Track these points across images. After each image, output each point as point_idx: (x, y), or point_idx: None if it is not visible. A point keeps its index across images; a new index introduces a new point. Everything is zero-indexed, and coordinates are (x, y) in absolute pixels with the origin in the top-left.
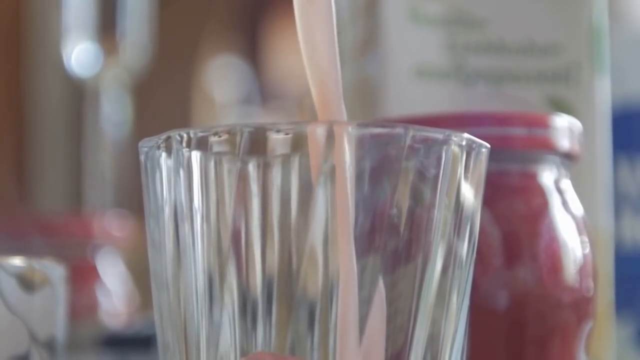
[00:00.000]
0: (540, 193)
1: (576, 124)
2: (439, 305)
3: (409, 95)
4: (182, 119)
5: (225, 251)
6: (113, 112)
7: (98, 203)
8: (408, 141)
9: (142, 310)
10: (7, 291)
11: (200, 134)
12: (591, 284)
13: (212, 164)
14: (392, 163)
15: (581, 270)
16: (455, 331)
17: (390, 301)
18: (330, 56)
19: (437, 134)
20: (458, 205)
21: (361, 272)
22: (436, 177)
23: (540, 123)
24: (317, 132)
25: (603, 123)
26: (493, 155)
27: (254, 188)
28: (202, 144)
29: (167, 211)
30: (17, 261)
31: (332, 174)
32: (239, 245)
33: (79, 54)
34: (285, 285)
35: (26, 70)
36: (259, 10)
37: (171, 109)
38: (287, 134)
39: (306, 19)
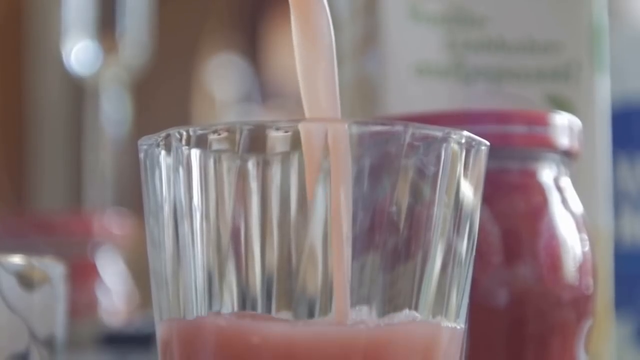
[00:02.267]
0: (539, 191)
1: (576, 121)
2: (439, 303)
3: (408, 93)
4: (182, 117)
5: (224, 249)
6: (113, 110)
7: (98, 201)
8: (407, 139)
9: (141, 308)
10: (7, 289)
11: (199, 132)
12: (591, 281)
13: (211, 161)
14: (392, 161)
15: (581, 268)
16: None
17: (390, 299)
18: (331, 105)
19: (437, 132)
20: (457, 202)
21: (361, 269)
22: (436, 174)
23: (540, 121)
24: (315, 130)
25: (603, 121)
26: (493, 152)
27: (254, 186)
28: (201, 142)
29: (167, 209)
30: (16, 259)
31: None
32: (239, 243)
33: (79, 52)
34: (284, 283)
35: (26, 68)
36: (259, 9)
37: (171, 107)
38: (286, 131)
39: (307, 68)
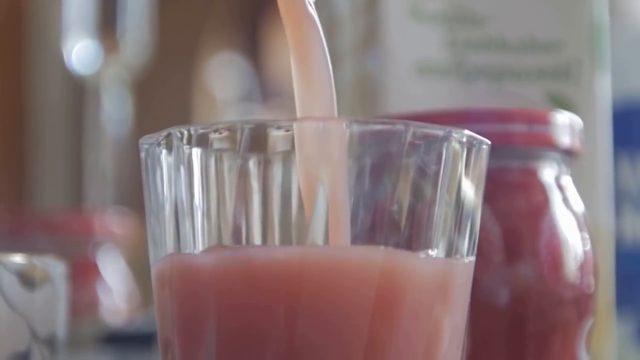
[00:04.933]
0: (540, 190)
1: (577, 120)
2: None
3: (409, 92)
4: (183, 116)
5: None
6: (113, 110)
7: (99, 200)
8: (409, 138)
9: (142, 307)
10: (8, 288)
11: (200, 131)
12: (592, 280)
13: (212, 160)
14: (393, 160)
15: (582, 267)
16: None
17: None
18: None
19: (438, 131)
20: (459, 201)
21: None
22: (437, 173)
23: (540, 120)
24: (315, 129)
25: (604, 120)
26: (494, 151)
27: (255, 185)
28: (202, 141)
29: (168, 208)
30: (18, 258)
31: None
32: (240, 242)
33: (80, 51)
34: None
35: (27, 67)
36: (259, 8)
37: (172, 106)
38: (287, 130)
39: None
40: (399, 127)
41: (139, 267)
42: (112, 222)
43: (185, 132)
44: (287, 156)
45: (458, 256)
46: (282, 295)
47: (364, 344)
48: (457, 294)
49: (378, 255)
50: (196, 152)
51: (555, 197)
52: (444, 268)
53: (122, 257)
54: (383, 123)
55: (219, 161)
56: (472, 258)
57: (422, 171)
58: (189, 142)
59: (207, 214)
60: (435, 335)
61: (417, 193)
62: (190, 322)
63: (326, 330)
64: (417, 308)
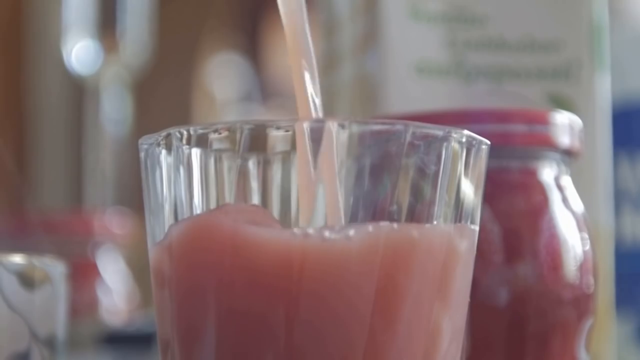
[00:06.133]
0: (540, 190)
1: (576, 120)
2: None
3: (409, 92)
4: (183, 117)
5: None
6: (113, 110)
7: (98, 200)
8: (408, 138)
9: (142, 307)
10: (8, 289)
11: (200, 131)
12: (591, 280)
13: (212, 161)
14: (393, 160)
15: (581, 267)
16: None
17: None
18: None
19: (437, 131)
20: (458, 202)
21: None
22: (436, 173)
23: (540, 120)
24: (312, 129)
25: (603, 120)
26: (493, 151)
27: (254, 185)
28: (202, 141)
29: (167, 208)
30: (17, 259)
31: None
32: None
33: (79, 51)
34: None
35: (26, 67)
36: (259, 8)
37: (171, 107)
38: (287, 131)
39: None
40: (399, 127)
41: (138, 267)
42: (112, 222)
43: (185, 133)
44: (287, 156)
45: (460, 225)
46: (283, 279)
47: (365, 329)
48: (458, 277)
49: (379, 238)
50: (196, 153)
51: (555, 197)
52: (448, 239)
53: (121, 257)
54: (382, 123)
55: (218, 161)
56: (476, 227)
57: (421, 171)
58: (189, 143)
59: None
60: (435, 330)
61: (416, 193)
62: (189, 311)
63: (327, 315)
64: (418, 297)
